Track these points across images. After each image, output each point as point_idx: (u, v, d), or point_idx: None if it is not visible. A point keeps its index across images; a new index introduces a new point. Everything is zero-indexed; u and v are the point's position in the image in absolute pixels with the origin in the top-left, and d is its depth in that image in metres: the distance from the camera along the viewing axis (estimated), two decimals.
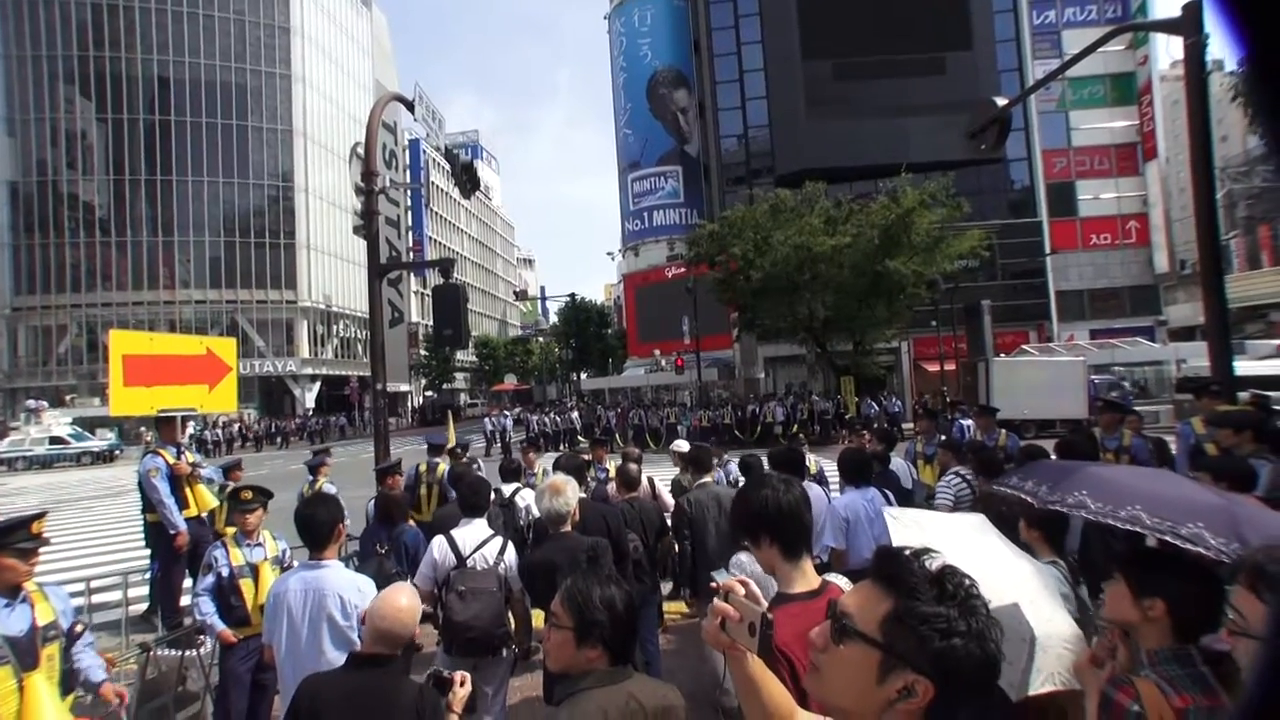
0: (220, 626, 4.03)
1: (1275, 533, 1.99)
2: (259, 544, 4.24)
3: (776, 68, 36.30)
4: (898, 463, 5.95)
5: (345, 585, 3.09)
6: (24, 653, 2.69)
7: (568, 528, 3.64)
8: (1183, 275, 35.22)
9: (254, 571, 4.13)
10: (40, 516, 2.91)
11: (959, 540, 2.60)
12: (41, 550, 2.88)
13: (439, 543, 3.82)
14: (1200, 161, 5.65)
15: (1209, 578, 1.80)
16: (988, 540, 2.76)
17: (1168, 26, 6.26)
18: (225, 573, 4.06)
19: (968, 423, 9.50)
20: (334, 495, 4.91)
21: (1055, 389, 18.36)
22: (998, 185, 35.58)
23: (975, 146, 8.40)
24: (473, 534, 3.85)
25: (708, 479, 5.02)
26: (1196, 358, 23.19)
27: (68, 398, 43.06)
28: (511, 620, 3.85)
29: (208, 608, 4.05)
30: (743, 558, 3.73)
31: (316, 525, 3.14)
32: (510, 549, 3.90)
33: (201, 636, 4.41)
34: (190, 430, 7.08)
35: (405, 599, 2.20)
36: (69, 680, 2.95)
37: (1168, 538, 1.94)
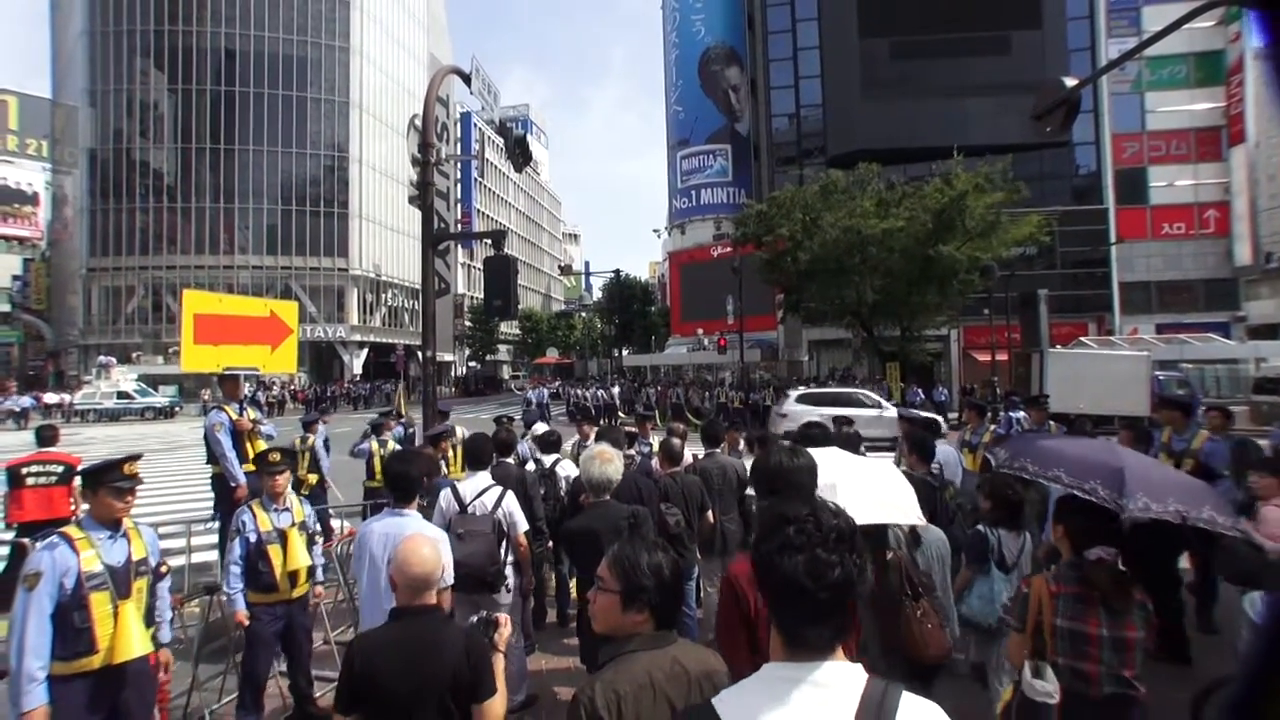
0: (240, 607, 3.96)
1: (1154, 487, 2.83)
2: (286, 508, 4.16)
3: (832, 46, 35.26)
4: (950, 451, 5.86)
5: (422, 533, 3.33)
6: (120, 582, 2.95)
7: (607, 496, 3.76)
8: (1267, 269, 33.10)
9: (282, 537, 4.04)
10: (131, 459, 3.16)
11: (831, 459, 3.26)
12: (136, 490, 3.13)
13: (444, 494, 4.26)
14: None
15: (1091, 514, 2.66)
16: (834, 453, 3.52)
17: (1257, 1, 5.85)
18: (253, 539, 3.99)
19: (1019, 414, 9.26)
20: (429, 453, 5.14)
21: (1115, 384, 17.51)
22: (1061, 170, 34.05)
23: (1040, 129, 8.03)
24: (474, 484, 4.26)
25: (717, 450, 5.65)
26: (1279, 356, 21.91)
27: (134, 355, 45.26)
28: (509, 559, 4.17)
29: (236, 583, 3.97)
30: None
31: (409, 480, 3.46)
32: (509, 497, 4.23)
33: None
34: (245, 390, 7.46)
35: (428, 547, 2.30)
36: (151, 614, 3.20)
37: (1076, 491, 2.79)
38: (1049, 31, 32.40)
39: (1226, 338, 28.74)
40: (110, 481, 2.99)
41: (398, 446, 8.37)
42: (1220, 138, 34.73)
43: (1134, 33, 32.85)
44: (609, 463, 3.73)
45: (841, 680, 1.19)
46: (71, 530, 2.94)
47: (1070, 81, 7.80)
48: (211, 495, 6.59)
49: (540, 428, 7.71)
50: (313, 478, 8.38)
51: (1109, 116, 33.87)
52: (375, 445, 8.35)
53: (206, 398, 33.45)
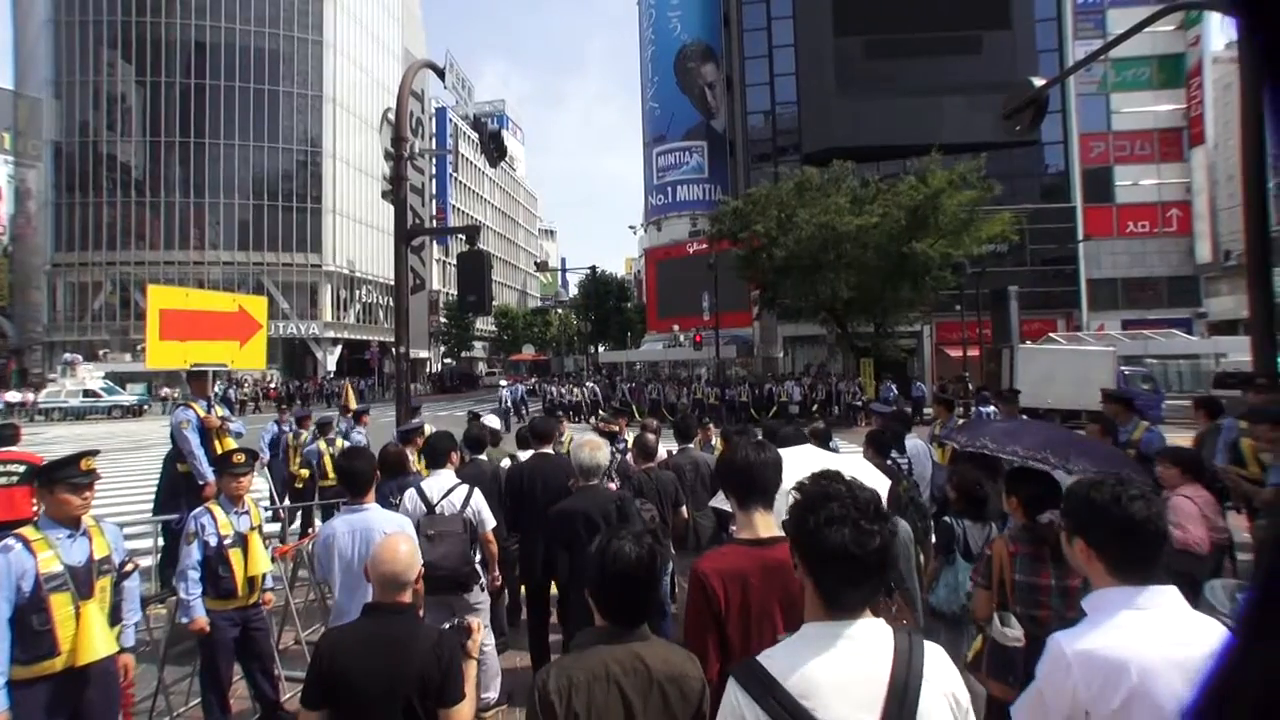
0: (199, 613, 3.73)
1: (1091, 456, 3.42)
2: (245, 511, 4.01)
3: (807, 44, 35.53)
4: (920, 445, 5.95)
5: (388, 522, 3.41)
6: (81, 582, 2.89)
7: (596, 481, 3.90)
8: (1226, 266, 34.03)
9: (243, 541, 3.88)
10: (89, 454, 3.08)
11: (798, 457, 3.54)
12: (95, 485, 3.06)
13: (409, 494, 4.22)
14: (1251, 147, 5.43)
15: (1038, 484, 3.05)
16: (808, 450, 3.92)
17: (1224, 5, 6.02)
18: (214, 543, 3.80)
19: (990, 409, 9.46)
20: (367, 447, 5.11)
21: (1082, 379, 17.93)
22: (1031, 169, 34.70)
23: (1009, 128, 8.19)
24: (439, 483, 4.24)
25: (689, 445, 5.73)
26: (1237, 352, 22.56)
27: (101, 353, 44.09)
28: (481, 557, 4.22)
29: (195, 589, 3.73)
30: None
31: (359, 475, 3.50)
32: (477, 494, 4.23)
33: None
34: (216, 388, 7.32)
35: (404, 545, 2.31)
36: (116, 613, 3.14)
37: (1030, 462, 3.36)
38: (1018, 32, 32.99)
39: (1189, 333, 29.54)
40: (66, 478, 2.92)
41: (346, 444, 8.31)
42: (1182, 139, 35.63)
43: (1100, 35, 33.48)
44: (598, 450, 3.87)
45: (874, 634, 1.38)
46: (27, 531, 2.86)
47: (1038, 82, 7.96)
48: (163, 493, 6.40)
49: (493, 420, 7.75)
50: (305, 473, 8.30)
51: (1076, 116, 34.56)
52: (323, 445, 8.38)
53: (169, 394, 32.68)
